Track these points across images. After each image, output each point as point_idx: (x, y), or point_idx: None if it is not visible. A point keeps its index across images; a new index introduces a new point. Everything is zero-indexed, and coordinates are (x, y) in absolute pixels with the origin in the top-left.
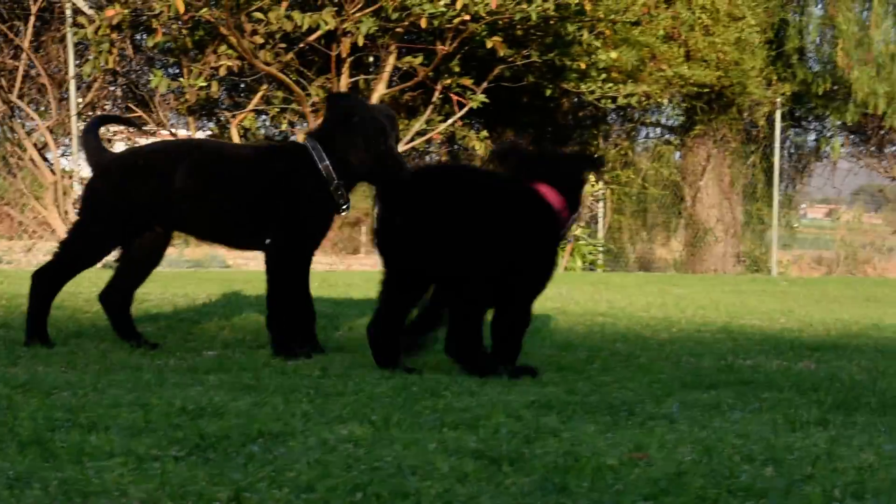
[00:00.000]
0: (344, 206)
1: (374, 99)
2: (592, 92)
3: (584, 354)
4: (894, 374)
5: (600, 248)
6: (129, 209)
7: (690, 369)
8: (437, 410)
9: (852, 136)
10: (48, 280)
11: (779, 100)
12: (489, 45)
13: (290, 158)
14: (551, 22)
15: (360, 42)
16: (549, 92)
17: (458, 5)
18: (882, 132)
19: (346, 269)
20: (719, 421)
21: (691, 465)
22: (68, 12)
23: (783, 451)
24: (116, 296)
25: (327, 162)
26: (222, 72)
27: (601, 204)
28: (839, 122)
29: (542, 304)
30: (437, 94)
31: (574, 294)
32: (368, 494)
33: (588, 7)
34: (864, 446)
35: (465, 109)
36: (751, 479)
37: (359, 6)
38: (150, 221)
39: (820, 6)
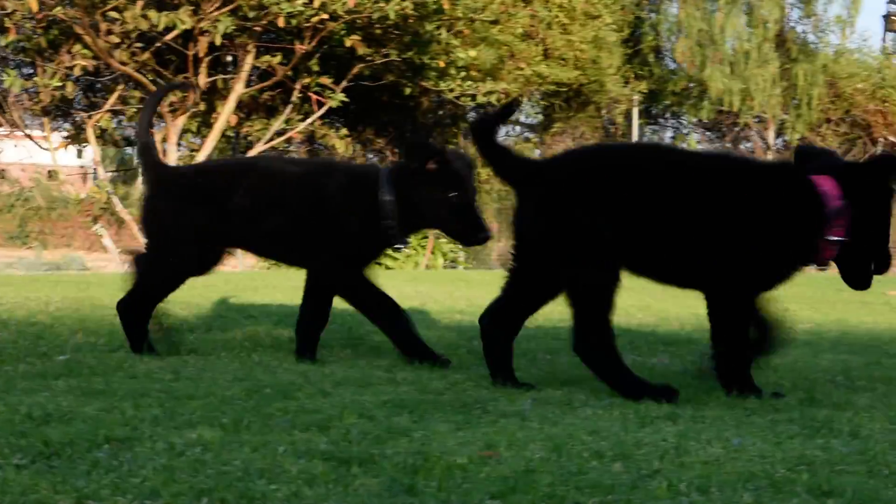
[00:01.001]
0: (398, 245)
1: (232, 99)
2: (452, 90)
3: (440, 352)
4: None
5: (461, 246)
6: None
7: (546, 366)
8: (289, 412)
9: (708, 133)
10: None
11: (636, 97)
12: (348, 43)
13: (355, 181)
14: (410, 21)
15: (218, 41)
16: (408, 91)
17: (316, 4)
18: (737, 128)
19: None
20: (571, 418)
21: (541, 462)
22: None
23: (632, 447)
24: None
25: (390, 198)
26: (77, 71)
27: None
28: (695, 119)
29: (400, 302)
30: (296, 93)
31: (434, 292)
32: (214, 499)
33: (446, 6)
34: (713, 440)
35: (325, 108)
36: (599, 476)
37: (216, 5)
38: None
39: (675, 4)
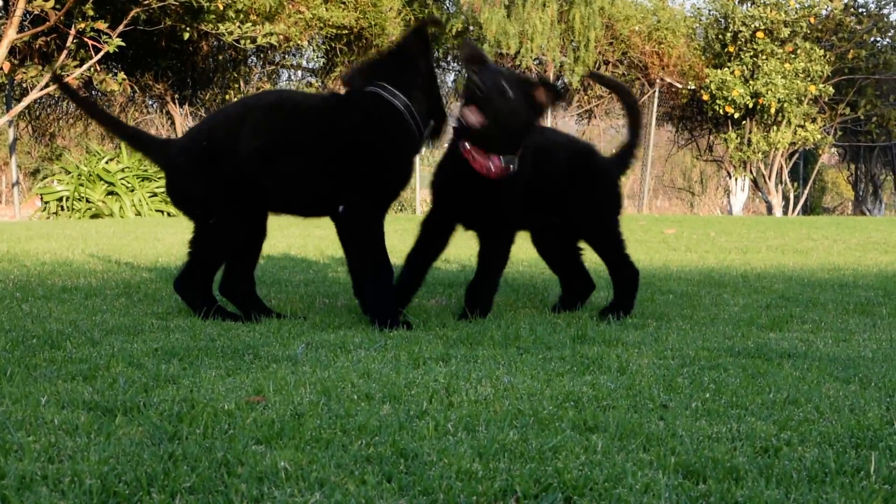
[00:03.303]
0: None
1: (4, 45)
2: (231, 33)
3: (216, 298)
4: (522, 306)
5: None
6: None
7: (323, 310)
8: (56, 362)
9: None
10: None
11: None
12: None
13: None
14: None
15: None
16: (186, 35)
17: None
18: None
19: None
20: (343, 360)
21: (309, 406)
22: None
23: (403, 388)
24: (238, 282)
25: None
26: None
27: None
28: None
29: (179, 249)
30: (71, 38)
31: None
32: None
33: None
34: (483, 379)
35: (101, 54)
36: (366, 418)
37: None
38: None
39: None
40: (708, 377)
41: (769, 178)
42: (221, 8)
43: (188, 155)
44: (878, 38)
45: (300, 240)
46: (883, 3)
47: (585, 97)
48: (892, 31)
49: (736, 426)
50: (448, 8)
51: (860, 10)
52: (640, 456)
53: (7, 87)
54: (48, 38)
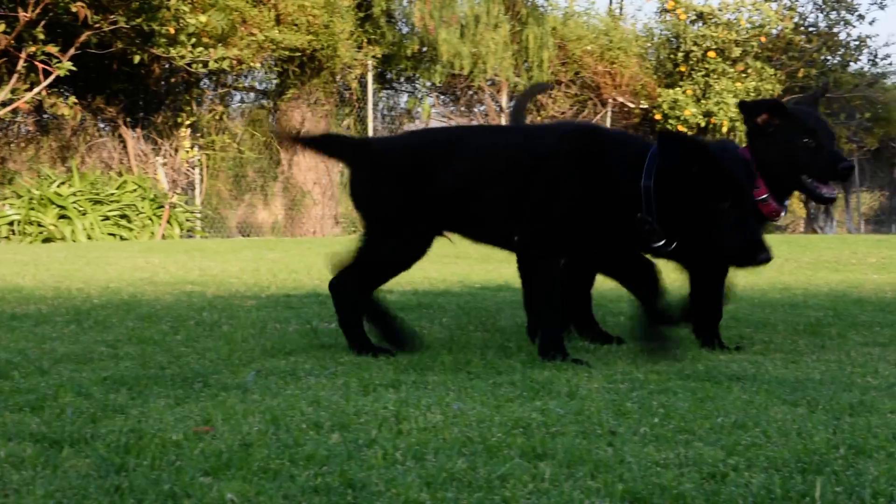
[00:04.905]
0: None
1: None
2: (183, 57)
3: (167, 325)
4: (474, 329)
5: (198, 215)
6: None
7: (274, 336)
8: (3, 392)
9: (442, 97)
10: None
11: (370, 62)
12: (73, 10)
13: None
14: None
15: None
16: (137, 58)
17: None
18: (470, 92)
19: None
20: (293, 388)
21: (258, 435)
22: None
23: (352, 416)
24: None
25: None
26: None
27: (197, 170)
28: (429, 83)
29: (131, 274)
30: (21, 62)
31: (167, 263)
32: None
33: None
34: (433, 406)
35: (52, 77)
36: (315, 447)
37: None
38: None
39: None
40: (657, 401)
41: None
42: (173, 32)
43: None
44: (828, 57)
45: (252, 263)
46: (832, 22)
47: (539, 118)
48: (842, 49)
49: (684, 451)
50: (401, 29)
51: (810, 29)
52: (588, 483)
53: None
54: None
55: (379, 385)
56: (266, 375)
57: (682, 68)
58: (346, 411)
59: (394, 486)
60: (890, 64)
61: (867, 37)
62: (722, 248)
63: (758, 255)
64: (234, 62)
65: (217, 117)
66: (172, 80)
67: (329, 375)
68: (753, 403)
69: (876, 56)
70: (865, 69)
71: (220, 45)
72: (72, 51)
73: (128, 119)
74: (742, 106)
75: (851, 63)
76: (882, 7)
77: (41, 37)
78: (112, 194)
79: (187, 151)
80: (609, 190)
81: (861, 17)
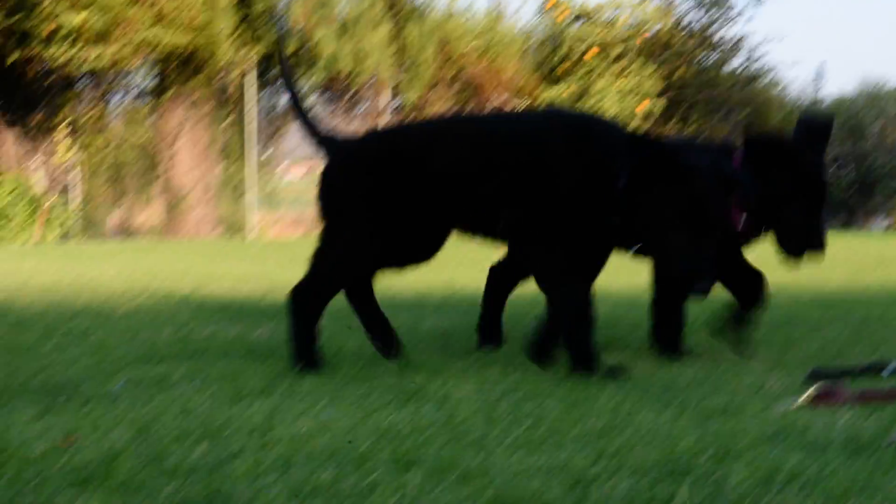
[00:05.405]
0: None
1: None
2: (58, 58)
3: (37, 333)
4: (349, 335)
5: (75, 218)
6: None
7: (146, 342)
8: None
9: (324, 95)
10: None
11: (250, 62)
12: None
13: None
14: None
15: None
16: (10, 59)
17: None
18: (351, 91)
19: None
20: (163, 397)
21: (124, 446)
22: None
23: (221, 426)
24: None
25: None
26: None
27: (75, 171)
28: (310, 82)
29: (3, 279)
30: None
31: (42, 267)
32: None
33: None
34: (303, 414)
35: None
36: (181, 458)
37: None
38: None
39: None
40: (528, 407)
41: None
42: (48, 32)
43: None
44: (706, 56)
45: (129, 267)
46: (710, 21)
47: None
48: (720, 48)
49: (552, 457)
50: (281, 28)
51: (688, 28)
52: (456, 491)
53: None
54: None
55: (250, 393)
56: (136, 384)
57: (563, 67)
58: (215, 420)
59: (259, 498)
60: (766, 64)
61: (744, 36)
62: (664, 268)
63: (694, 287)
64: (112, 62)
65: (96, 118)
66: (49, 79)
67: (200, 383)
68: (623, 407)
69: (753, 55)
70: (742, 68)
71: (98, 43)
72: None
73: (5, 118)
74: (749, 143)
75: (729, 62)
76: (758, 6)
77: None
78: None
79: (65, 152)
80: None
81: (738, 16)
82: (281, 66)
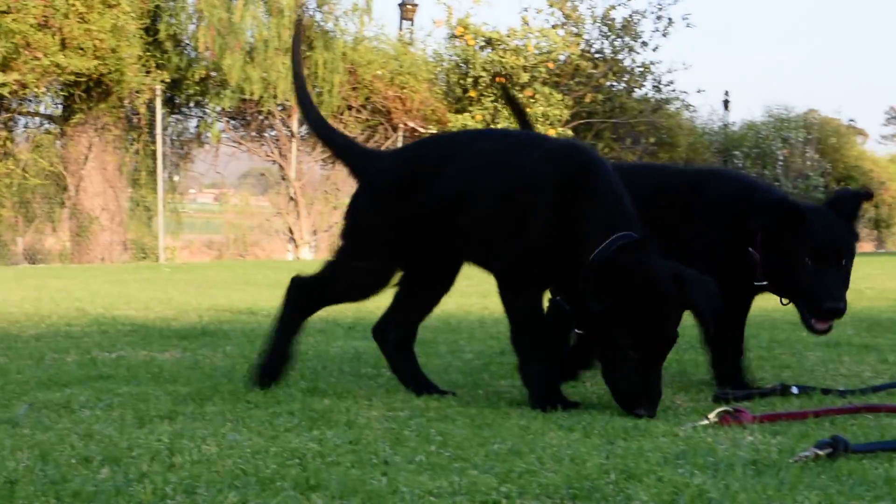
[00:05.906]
0: None
1: None
2: None
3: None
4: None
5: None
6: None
7: (51, 367)
8: None
9: (232, 121)
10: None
11: (158, 87)
12: None
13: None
14: None
15: None
16: None
17: None
18: (261, 117)
19: None
20: (66, 421)
21: (24, 472)
22: None
23: (124, 450)
24: (395, 332)
25: None
26: None
27: None
28: (219, 108)
29: None
30: None
31: None
32: None
33: None
34: (208, 438)
35: None
36: (83, 483)
37: None
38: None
39: None
40: (435, 429)
41: None
42: None
43: None
44: (614, 83)
45: (35, 292)
46: (617, 48)
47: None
48: (627, 75)
49: (458, 480)
50: (190, 54)
51: (596, 55)
52: None
53: None
54: None
55: (155, 417)
56: (39, 409)
57: (472, 94)
58: (118, 445)
59: None
60: (673, 90)
61: (651, 63)
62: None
63: (634, 409)
64: (17, 87)
65: (0, 143)
66: None
67: (105, 407)
68: (530, 429)
69: (660, 82)
70: (650, 95)
71: (2, 69)
72: None
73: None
74: (758, 209)
75: (636, 89)
76: (665, 35)
77: None
78: None
79: None
80: None
81: (644, 44)
82: (295, 83)
